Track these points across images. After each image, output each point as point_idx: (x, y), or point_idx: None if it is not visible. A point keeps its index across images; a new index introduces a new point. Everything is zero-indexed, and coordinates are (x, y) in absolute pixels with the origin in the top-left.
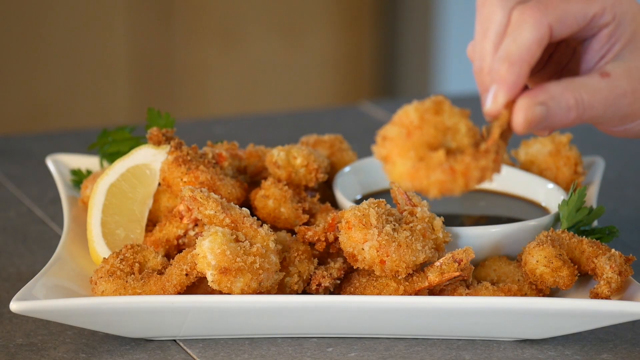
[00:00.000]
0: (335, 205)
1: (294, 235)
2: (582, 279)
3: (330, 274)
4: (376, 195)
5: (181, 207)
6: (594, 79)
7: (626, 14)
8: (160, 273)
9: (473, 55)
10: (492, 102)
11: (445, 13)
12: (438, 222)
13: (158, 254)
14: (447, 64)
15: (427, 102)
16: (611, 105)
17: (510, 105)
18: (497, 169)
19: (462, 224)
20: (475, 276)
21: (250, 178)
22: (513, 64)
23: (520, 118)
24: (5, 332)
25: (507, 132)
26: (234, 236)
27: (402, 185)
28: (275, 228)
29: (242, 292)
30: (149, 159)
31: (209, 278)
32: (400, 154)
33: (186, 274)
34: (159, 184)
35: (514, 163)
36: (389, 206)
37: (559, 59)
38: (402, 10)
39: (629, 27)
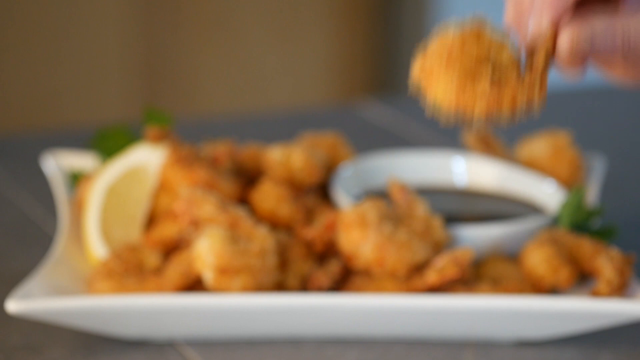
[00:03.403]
0: (335, 205)
1: (293, 235)
2: (582, 279)
3: (330, 274)
4: (376, 195)
5: (179, 207)
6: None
7: None
8: (159, 273)
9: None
10: (536, 22)
11: (446, 10)
12: (437, 221)
13: (156, 254)
14: None
15: (467, 25)
16: None
17: (553, 33)
18: (542, 100)
19: (461, 223)
20: (475, 276)
21: (249, 178)
22: None
23: (565, 42)
24: (1, 333)
25: (548, 63)
26: (233, 236)
27: (446, 104)
28: (274, 228)
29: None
30: (147, 158)
31: (208, 278)
32: (445, 67)
33: (184, 274)
34: (157, 184)
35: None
36: (388, 206)
37: None
38: (403, 7)
39: None
